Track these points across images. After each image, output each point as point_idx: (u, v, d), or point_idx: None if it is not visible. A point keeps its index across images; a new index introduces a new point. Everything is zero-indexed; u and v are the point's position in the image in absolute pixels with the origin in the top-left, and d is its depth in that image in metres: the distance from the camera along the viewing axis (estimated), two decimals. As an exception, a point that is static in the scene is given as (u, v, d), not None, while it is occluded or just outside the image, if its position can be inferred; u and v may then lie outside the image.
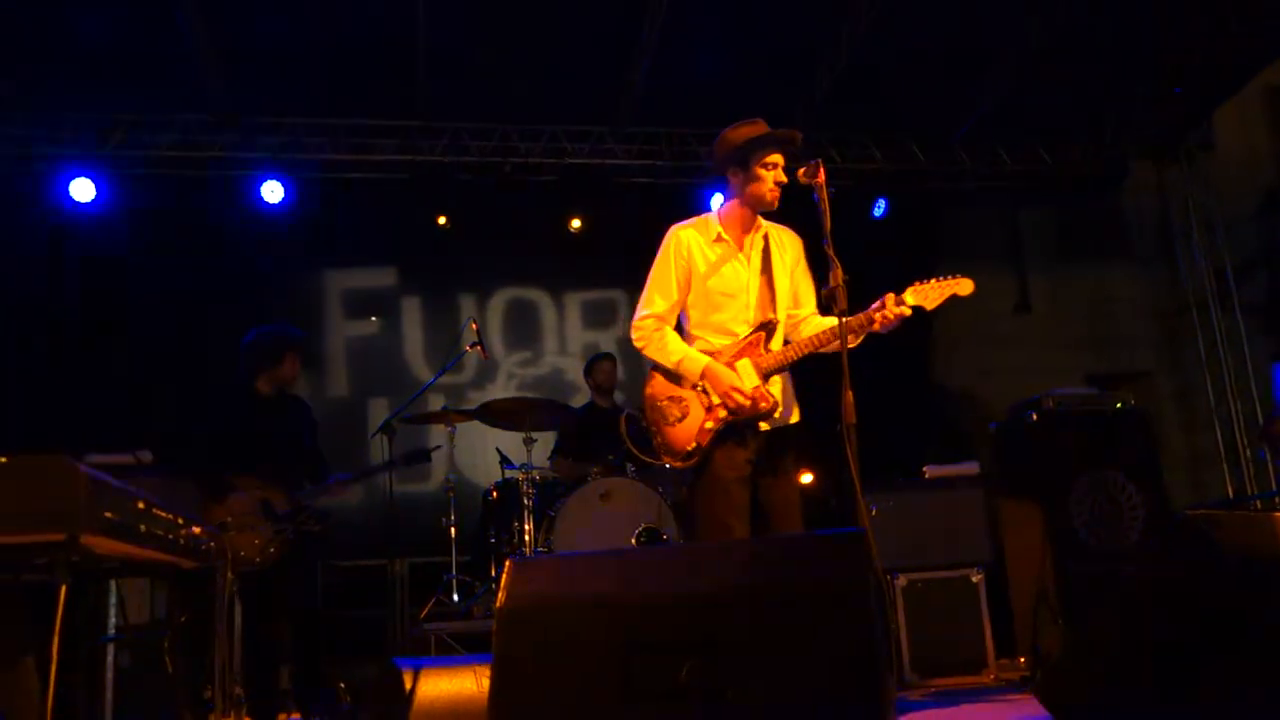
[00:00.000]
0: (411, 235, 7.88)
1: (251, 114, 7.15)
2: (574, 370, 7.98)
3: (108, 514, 2.89)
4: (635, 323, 3.81)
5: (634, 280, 8.27)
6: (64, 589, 2.84)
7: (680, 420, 3.65)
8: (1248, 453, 8.30)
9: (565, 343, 8.35)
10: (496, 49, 6.88)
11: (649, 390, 3.77)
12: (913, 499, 5.40)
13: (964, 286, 3.56)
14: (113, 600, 4.35)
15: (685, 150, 7.84)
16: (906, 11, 6.59)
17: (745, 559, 2.35)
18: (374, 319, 7.91)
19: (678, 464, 3.67)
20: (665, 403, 3.69)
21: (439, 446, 5.46)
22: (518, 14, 6.56)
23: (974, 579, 5.20)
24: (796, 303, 3.78)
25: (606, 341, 8.32)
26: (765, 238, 3.76)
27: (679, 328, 3.83)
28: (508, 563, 2.40)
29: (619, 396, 7.03)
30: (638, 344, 3.80)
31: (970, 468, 5.51)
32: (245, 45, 6.62)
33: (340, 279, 7.97)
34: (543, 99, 7.44)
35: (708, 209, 7.64)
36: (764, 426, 3.61)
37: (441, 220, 7.70)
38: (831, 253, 3.32)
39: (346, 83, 7.07)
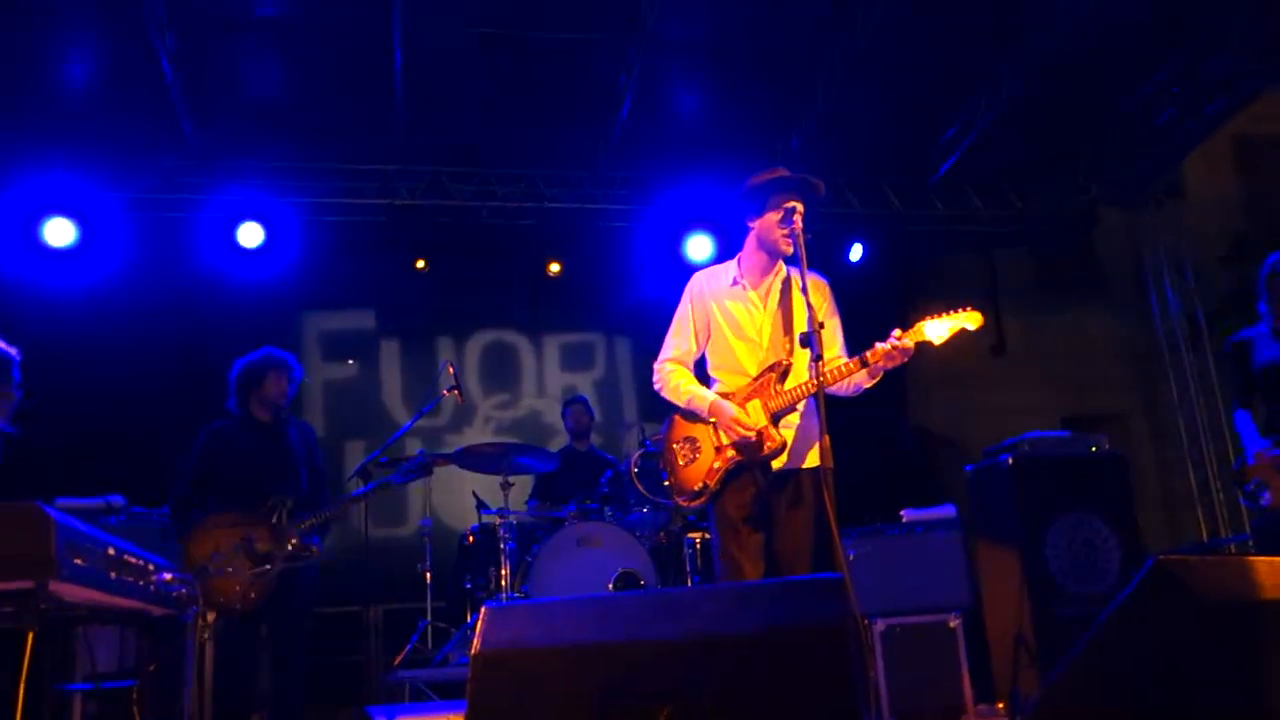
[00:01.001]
0: (390, 278, 7.89)
1: (230, 157, 7.15)
2: (552, 413, 7.98)
3: (77, 560, 2.86)
4: (655, 367, 3.96)
5: (612, 323, 8.39)
6: (31, 636, 2.80)
7: (692, 461, 3.76)
8: (1221, 495, 8.36)
9: (544, 386, 8.35)
10: (475, 95, 6.93)
11: (669, 434, 3.88)
12: (890, 543, 5.40)
13: (973, 319, 3.58)
14: (80, 648, 4.29)
15: (663, 196, 7.89)
16: (881, 60, 6.69)
17: (723, 605, 2.34)
18: (351, 361, 7.88)
19: (686, 504, 3.80)
20: (679, 444, 3.81)
21: (439, 457, 5.37)
22: (497, 61, 6.61)
23: (952, 624, 5.19)
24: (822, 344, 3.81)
25: (584, 384, 8.34)
26: (785, 281, 3.81)
27: (700, 370, 3.92)
28: (483, 609, 2.39)
29: (596, 439, 7.04)
30: (656, 387, 3.94)
31: (948, 512, 5.52)
32: (224, 89, 6.64)
33: (318, 321, 7.96)
34: (521, 144, 7.49)
35: (682, 255, 7.78)
36: (776, 465, 3.65)
37: (420, 264, 7.70)
38: (808, 299, 3.34)
39: (325, 126, 7.10)
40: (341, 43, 6.36)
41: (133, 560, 3.29)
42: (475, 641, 2.33)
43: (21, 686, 2.77)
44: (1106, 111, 7.65)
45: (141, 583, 3.33)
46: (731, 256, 4.02)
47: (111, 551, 3.11)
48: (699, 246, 7.81)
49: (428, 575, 5.63)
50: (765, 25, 6.49)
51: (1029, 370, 8.96)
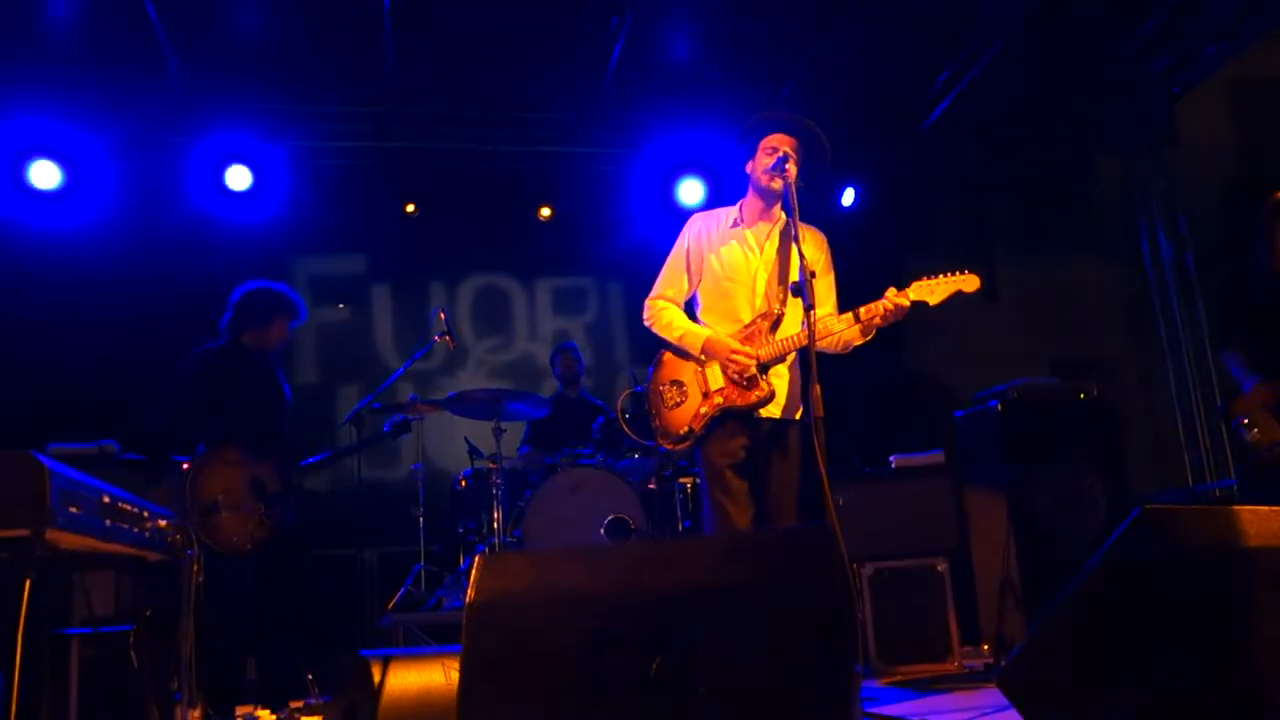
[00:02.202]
0: (381, 222, 7.82)
1: (217, 98, 7.06)
2: (543, 356, 7.98)
3: (72, 508, 2.88)
4: (646, 303, 3.95)
5: (604, 267, 8.36)
6: (28, 584, 2.83)
7: (679, 405, 3.75)
8: (1208, 441, 8.43)
9: (536, 329, 8.34)
10: (466, 36, 6.83)
11: (655, 374, 3.88)
12: (879, 488, 5.45)
13: (969, 283, 3.55)
14: (77, 593, 4.32)
15: (656, 140, 7.83)
16: (874, 5, 6.61)
17: (715, 555, 2.36)
18: (342, 306, 7.85)
19: (671, 446, 3.81)
20: (666, 386, 3.81)
21: (420, 417, 5.39)
22: (488, 1, 6.51)
23: (939, 567, 5.26)
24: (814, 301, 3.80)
25: (576, 328, 8.33)
26: (784, 231, 3.79)
27: (691, 314, 3.92)
28: (477, 557, 2.41)
29: (588, 383, 7.05)
30: (646, 323, 3.93)
31: (936, 457, 5.57)
32: (211, 29, 6.53)
33: (309, 265, 7.90)
34: (513, 87, 7.41)
35: (674, 200, 7.75)
36: (766, 414, 3.66)
37: (410, 208, 7.65)
38: (800, 249, 3.34)
39: (315, 69, 7.00)
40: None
41: (127, 507, 3.31)
42: (470, 589, 2.35)
43: (19, 633, 2.81)
44: (1101, 57, 7.59)
45: (136, 529, 3.36)
46: (722, 203, 4.01)
47: (106, 499, 3.14)
48: (691, 191, 7.78)
49: (420, 519, 5.65)
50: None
51: (1020, 316, 8.97)
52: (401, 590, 5.51)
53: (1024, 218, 9.27)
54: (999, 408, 5.39)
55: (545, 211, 7.91)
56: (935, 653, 5.18)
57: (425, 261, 8.07)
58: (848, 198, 8.08)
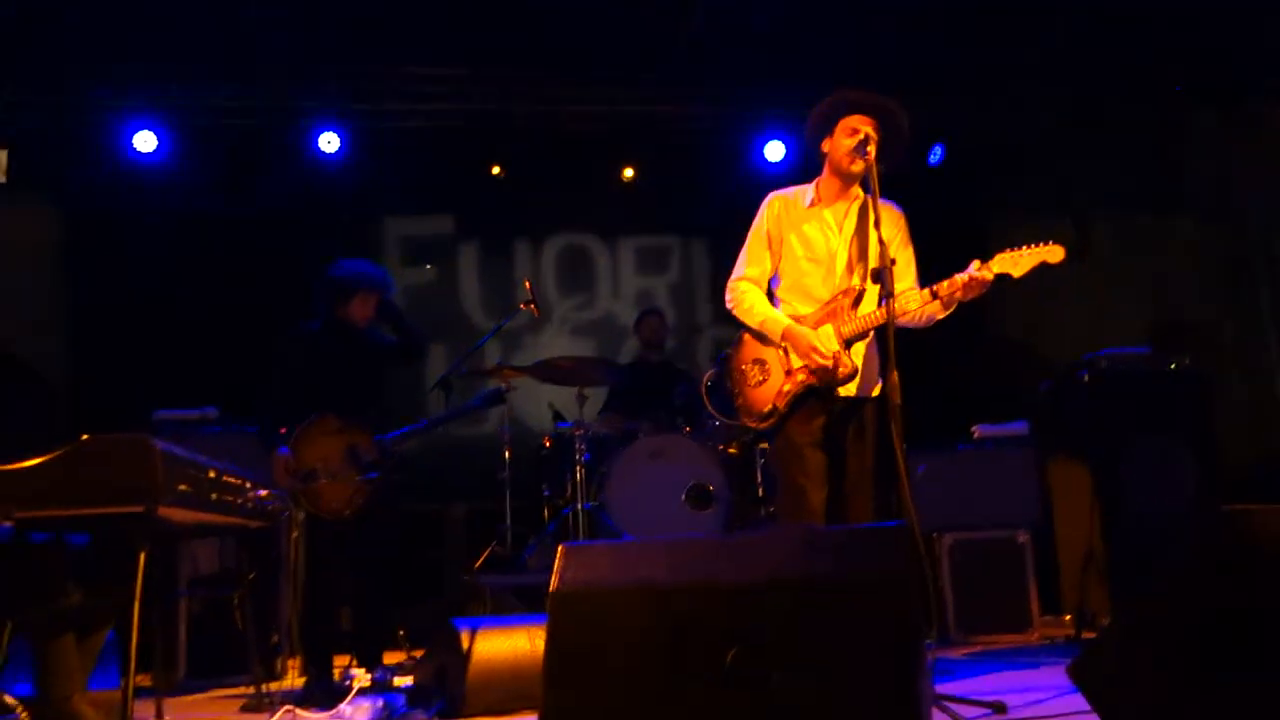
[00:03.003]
0: (467, 183, 7.93)
1: (309, 65, 7.19)
2: (627, 315, 8.04)
3: (181, 486, 3.07)
4: (728, 285, 3.96)
5: (686, 226, 8.39)
6: (143, 555, 3.04)
7: (761, 383, 3.78)
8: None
9: (619, 288, 8.40)
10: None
11: (736, 355, 3.90)
12: (961, 459, 5.43)
13: (1054, 254, 3.48)
14: (184, 556, 4.58)
15: (737, 99, 7.77)
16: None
17: (791, 550, 2.42)
18: (430, 266, 8.01)
19: (755, 424, 3.83)
20: (749, 365, 3.83)
21: (510, 388, 5.49)
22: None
23: (1020, 539, 5.24)
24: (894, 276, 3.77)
25: (659, 287, 8.37)
26: (862, 208, 3.77)
27: (769, 292, 3.93)
28: (560, 547, 2.50)
29: (671, 341, 7.09)
30: (728, 305, 3.94)
31: (1019, 429, 5.51)
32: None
33: (398, 226, 8.07)
34: (595, 48, 7.40)
35: (760, 158, 7.71)
36: (844, 393, 3.69)
37: (496, 170, 7.74)
38: (880, 235, 3.33)
39: (401, 34, 7.08)
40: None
41: (231, 480, 3.50)
42: (553, 579, 2.46)
43: (136, 600, 3.02)
44: (1200, 17, 7.28)
45: (239, 500, 3.55)
46: (805, 165, 3.99)
47: (212, 474, 3.32)
48: (775, 150, 7.73)
49: (505, 485, 5.79)
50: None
51: (1112, 278, 8.74)
52: (488, 550, 5.68)
53: (1117, 177, 9.00)
54: (1086, 378, 5.31)
55: (628, 172, 7.93)
56: (1015, 623, 5.18)
57: (511, 221, 8.18)
58: (935, 155, 7.94)
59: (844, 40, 7.36)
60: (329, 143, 7.27)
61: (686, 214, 8.21)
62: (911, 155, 7.59)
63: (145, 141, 6.96)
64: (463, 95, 7.49)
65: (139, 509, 2.91)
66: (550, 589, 2.47)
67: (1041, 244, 3.46)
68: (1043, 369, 5.98)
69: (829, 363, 3.60)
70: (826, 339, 3.64)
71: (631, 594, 2.42)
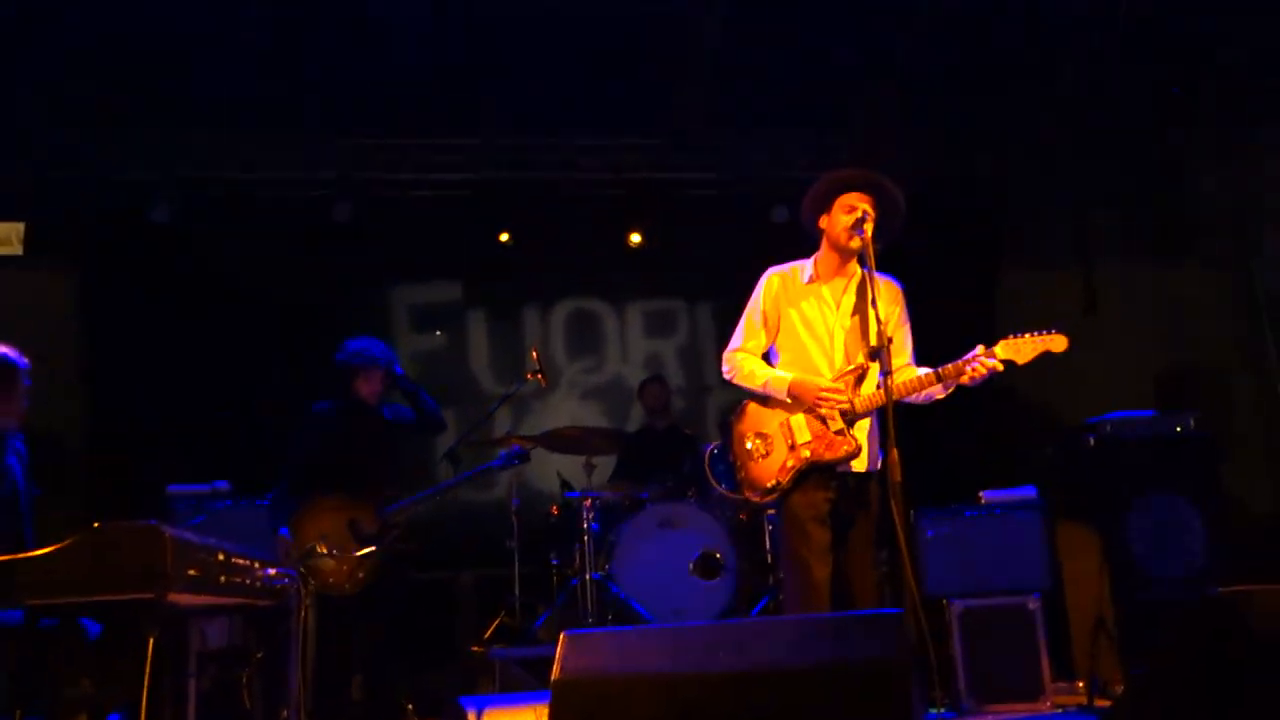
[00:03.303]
0: (475, 250, 8.01)
1: (319, 134, 7.34)
2: (635, 378, 8.06)
3: (191, 571, 3.11)
4: (725, 356, 4.02)
5: (694, 290, 8.45)
6: (152, 641, 3.07)
7: (765, 457, 3.81)
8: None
9: (627, 351, 8.45)
10: (552, 67, 6.98)
11: (738, 426, 3.93)
12: (969, 524, 5.41)
13: (1057, 343, 3.57)
14: (193, 632, 4.59)
15: (745, 161, 7.88)
16: (972, 14, 6.55)
17: (791, 637, 2.44)
18: (439, 332, 8.09)
19: (758, 499, 3.86)
20: (752, 438, 3.86)
21: (533, 447, 5.53)
22: (571, 30, 6.62)
23: (1030, 606, 5.20)
24: (891, 352, 3.81)
25: (667, 350, 8.42)
26: (861, 284, 3.82)
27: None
28: (562, 635, 2.53)
29: (679, 403, 7.12)
30: (727, 375, 3.99)
31: (1028, 493, 5.50)
32: (311, 68, 6.79)
33: (407, 294, 8.16)
34: (601, 114, 7.54)
35: (767, 219, 7.80)
36: (851, 469, 3.72)
37: (504, 237, 7.85)
38: (877, 313, 3.39)
39: (412, 103, 7.23)
40: (422, 21, 6.44)
41: (240, 561, 3.54)
42: (555, 667, 2.48)
43: (145, 682, 3.05)
44: (1205, 60, 7.39)
45: (248, 581, 3.58)
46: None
47: (221, 556, 3.36)
48: (781, 213, 7.81)
49: (514, 553, 5.82)
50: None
51: (1122, 329, 8.74)
52: (497, 621, 5.69)
53: (1125, 227, 9.04)
54: (1092, 442, 5.32)
55: (635, 237, 8.01)
56: (1028, 691, 5.13)
57: (519, 287, 8.25)
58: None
59: (852, 105, 7.49)
60: (340, 211, 7.38)
61: (693, 277, 8.29)
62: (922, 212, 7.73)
63: (159, 210, 7.07)
64: (472, 164, 7.63)
65: (149, 595, 2.95)
66: (552, 676, 2.49)
67: (1046, 333, 3.52)
68: (1051, 430, 5.98)
69: (844, 399, 3.62)
70: (831, 418, 3.67)
71: (632, 682, 2.44)
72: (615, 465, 6.42)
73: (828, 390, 3.65)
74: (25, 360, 4.32)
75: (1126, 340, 8.62)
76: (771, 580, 5.71)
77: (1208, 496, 5.30)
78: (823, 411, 3.68)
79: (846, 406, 3.62)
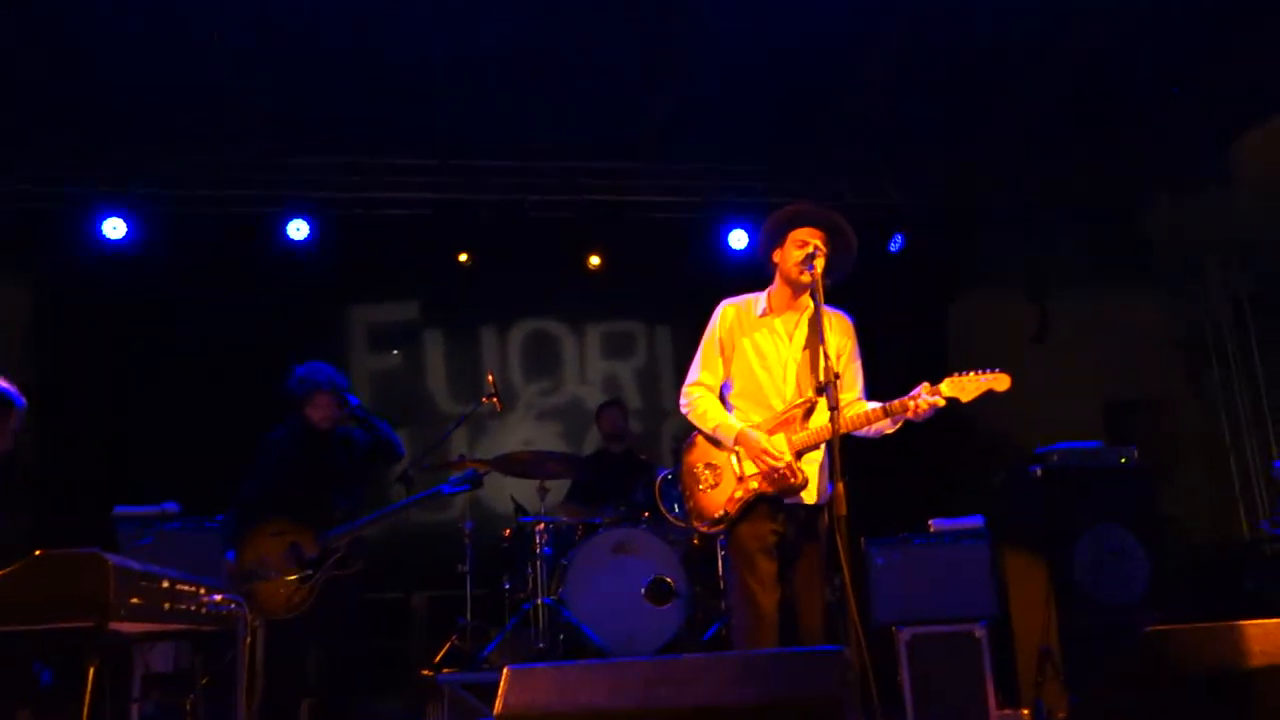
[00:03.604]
0: (434, 270, 8.03)
1: (276, 153, 7.32)
2: (593, 399, 8.11)
3: (134, 600, 3.08)
4: (683, 389, 4.06)
5: (651, 312, 8.48)
6: (92, 670, 3.04)
7: (713, 487, 3.84)
8: (1263, 492, 8.30)
9: (585, 373, 8.48)
10: (513, 91, 7.01)
11: (688, 456, 3.98)
12: (917, 553, 5.48)
13: (1000, 382, 3.61)
14: (136, 659, 4.55)
15: (703, 185, 7.94)
16: (926, 44, 6.65)
17: (729, 674, 2.47)
18: (396, 352, 8.07)
19: (705, 529, 3.90)
20: (701, 469, 3.90)
21: (487, 471, 5.53)
22: (536, 53, 6.66)
23: (977, 633, 5.28)
24: (841, 386, 3.78)
25: (624, 372, 8.46)
26: (813, 318, 3.84)
27: (722, 398, 4.02)
28: (505, 670, 2.54)
29: (636, 427, 7.15)
30: (683, 409, 4.03)
31: (975, 522, 5.58)
32: (268, 87, 6.77)
33: (364, 313, 8.15)
34: (561, 137, 7.58)
35: (725, 244, 7.87)
36: (799, 500, 3.76)
37: (463, 257, 7.86)
38: (825, 349, 3.44)
39: (368, 122, 7.23)
40: (382, 44, 6.46)
41: (185, 587, 3.50)
42: (498, 702, 2.50)
43: (85, 712, 3.02)
44: (1157, 95, 7.55)
45: (193, 607, 3.55)
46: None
47: (165, 584, 3.33)
48: (739, 238, 7.89)
49: (467, 576, 5.82)
50: (804, 16, 6.45)
51: (1072, 356, 8.88)
52: (448, 644, 5.67)
53: (1076, 255, 9.20)
54: (1039, 473, 5.41)
55: (594, 260, 8.05)
56: (973, 717, 5.20)
57: (477, 307, 8.27)
58: (895, 244, 8.12)
59: (807, 131, 7.58)
60: (297, 230, 7.36)
61: (652, 300, 8.34)
62: (869, 250, 7.81)
63: (114, 228, 7.02)
64: (431, 185, 7.63)
65: (89, 624, 2.92)
66: (495, 712, 2.50)
67: (989, 372, 3.57)
68: (999, 459, 6.07)
69: (781, 463, 3.67)
70: (780, 447, 3.72)
71: (572, 718, 2.45)
72: (570, 488, 6.43)
73: (768, 454, 3.69)
74: (23, 400, 4.25)
75: (1078, 369, 8.78)
76: (724, 606, 5.74)
77: (1150, 527, 5.40)
78: (751, 484, 3.73)
79: (783, 470, 3.66)
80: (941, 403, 3.58)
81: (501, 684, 2.52)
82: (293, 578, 4.55)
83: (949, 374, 3.65)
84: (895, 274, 8.08)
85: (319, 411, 4.83)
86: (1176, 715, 2.35)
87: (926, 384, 3.61)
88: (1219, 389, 8.63)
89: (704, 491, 3.86)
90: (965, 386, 3.58)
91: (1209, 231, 8.76)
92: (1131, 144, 8.28)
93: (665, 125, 7.31)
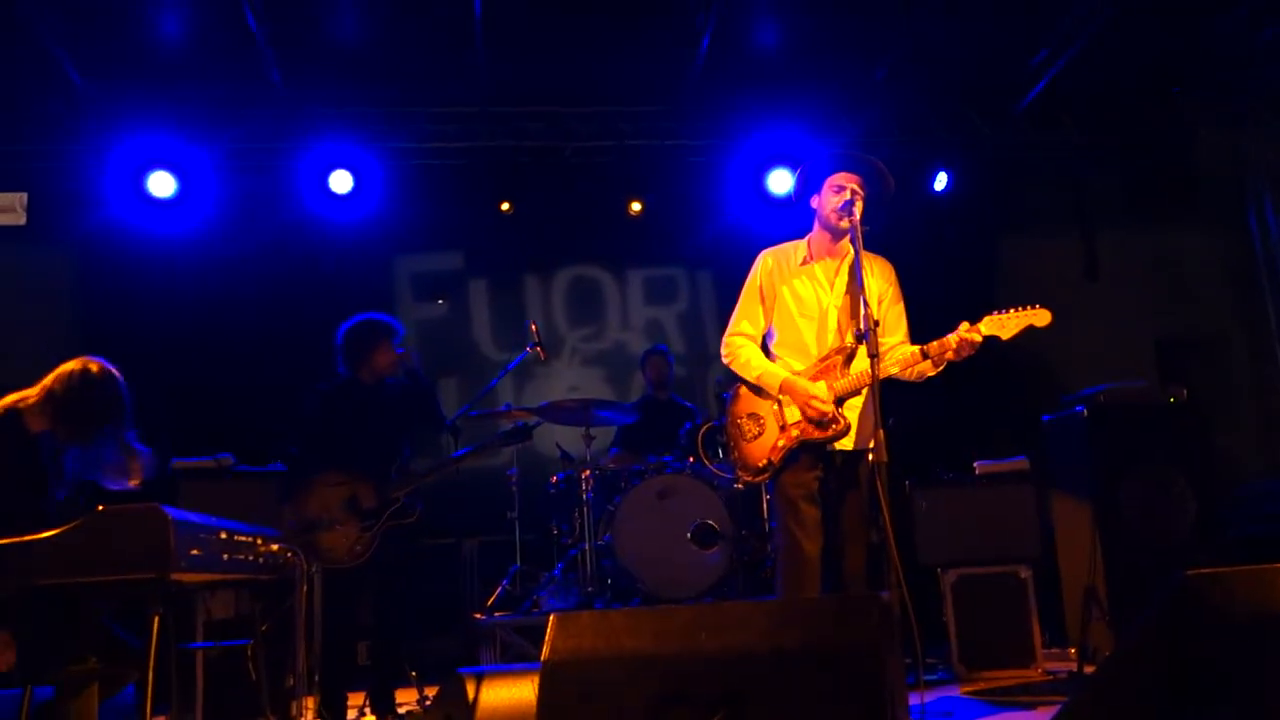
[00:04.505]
0: (476, 220, 8.07)
1: (318, 106, 7.35)
2: (636, 344, 8.16)
3: (194, 551, 3.19)
4: (724, 339, 4.08)
5: (693, 257, 8.46)
6: (156, 619, 3.17)
7: (757, 437, 3.89)
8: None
9: (628, 319, 8.50)
10: (553, 34, 6.96)
11: (732, 407, 4.01)
12: (962, 495, 5.48)
13: (1040, 317, 3.61)
14: (199, 607, 4.71)
15: (745, 129, 7.87)
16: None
17: (771, 619, 2.51)
18: (440, 301, 8.14)
19: (750, 478, 3.95)
20: (744, 419, 3.94)
21: (538, 422, 5.60)
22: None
23: (1023, 575, 5.29)
24: (884, 330, 3.83)
25: (668, 317, 8.47)
26: (853, 264, 3.82)
27: (765, 348, 4.03)
28: (551, 616, 2.60)
29: (680, 371, 7.16)
30: (725, 360, 4.06)
31: (1020, 463, 5.56)
32: (310, 39, 6.78)
33: (409, 264, 8.22)
34: (600, 82, 7.53)
35: (764, 188, 7.80)
36: (837, 447, 3.78)
37: (504, 206, 7.88)
38: (864, 297, 3.43)
39: (408, 73, 7.23)
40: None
41: (243, 538, 3.62)
42: (545, 648, 2.56)
43: (151, 659, 3.16)
44: (1204, 30, 7.33)
45: (251, 557, 3.66)
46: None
47: (223, 535, 3.44)
48: (780, 180, 7.81)
49: (516, 523, 5.92)
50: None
51: (1122, 294, 8.77)
52: (499, 590, 5.79)
53: (1125, 193, 9.03)
54: (1085, 413, 5.36)
55: (636, 206, 8.04)
56: (1018, 659, 5.23)
57: (519, 255, 8.30)
58: (940, 182, 8.00)
59: (850, 67, 7.46)
60: (341, 183, 7.40)
61: (693, 245, 8.32)
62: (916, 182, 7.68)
63: (159, 184, 7.10)
64: (471, 133, 7.64)
65: (152, 575, 3.04)
66: (542, 657, 2.57)
67: (1028, 308, 3.55)
68: (1047, 400, 6.02)
69: (829, 409, 3.69)
70: (821, 394, 3.74)
71: (619, 662, 2.51)
72: (616, 435, 6.49)
73: (816, 399, 3.71)
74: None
75: (1125, 307, 8.66)
76: (769, 549, 5.80)
77: (1198, 467, 5.34)
78: (808, 416, 3.74)
79: (831, 413, 3.67)
80: (979, 339, 3.56)
81: (548, 630, 2.59)
82: (354, 527, 4.64)
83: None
84: (941, 215, 7.99)
85: (384, 357, 4.84)
86: (1220, 658, 2.34)
87: (965, 323, 3.60)
88: (1274, 324, 8.48)
89: (749, 442, 3.91)
90: (1005, 324, 3.56)
91: (1263, 164, 8.57)
92: (1179, 79, 8.07)
93: (705, 66, 7.22)
